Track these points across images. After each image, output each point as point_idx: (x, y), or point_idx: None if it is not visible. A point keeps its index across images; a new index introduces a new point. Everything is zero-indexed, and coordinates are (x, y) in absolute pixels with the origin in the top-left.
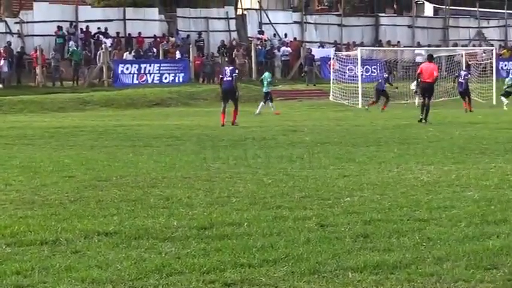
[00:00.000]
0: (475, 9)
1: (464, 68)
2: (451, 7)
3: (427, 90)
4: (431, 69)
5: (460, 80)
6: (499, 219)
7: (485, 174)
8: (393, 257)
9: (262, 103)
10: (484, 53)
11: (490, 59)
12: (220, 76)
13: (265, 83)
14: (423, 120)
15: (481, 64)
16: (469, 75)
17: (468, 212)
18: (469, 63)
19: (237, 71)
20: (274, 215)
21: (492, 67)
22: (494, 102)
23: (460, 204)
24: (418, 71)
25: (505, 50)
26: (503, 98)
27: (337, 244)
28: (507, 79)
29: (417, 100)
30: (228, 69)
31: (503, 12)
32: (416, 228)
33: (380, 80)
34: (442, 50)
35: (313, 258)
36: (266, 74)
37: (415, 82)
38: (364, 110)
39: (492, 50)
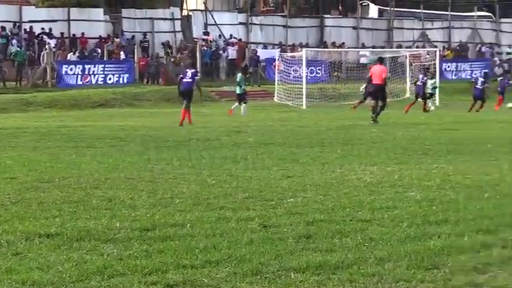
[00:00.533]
0: (419, 11)
1: (422, 71)
2: (395, 9)
3: (377, 91)
4: (381, 71)
5: (418, 83)
6: (441, 219)
7: (428, 175)
8: (335, 257)
9: (242, 104)
10: (428, 54)
11: (434, 60)
12: (181, 76)
13: (241, 84)
14: (373, 121)
15: (424, 65)
16: (425, 78)
17: (410, 212)
18: (413, 64)
19: (199, 74)
20: (218, 216)
21: (436, 68)
22: (437, 103)
23: (402, 204)
24: (369, 74)
25: (448, 52)
26: (423, 100)
27: (279, 245)
28: (431, 81)
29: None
30: (189, 71)
31: (447, 14)
32: (359, 228)
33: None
34: (387, 51)
35: (256, 259)
36: (240, 76)
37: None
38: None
39: (436, 52)
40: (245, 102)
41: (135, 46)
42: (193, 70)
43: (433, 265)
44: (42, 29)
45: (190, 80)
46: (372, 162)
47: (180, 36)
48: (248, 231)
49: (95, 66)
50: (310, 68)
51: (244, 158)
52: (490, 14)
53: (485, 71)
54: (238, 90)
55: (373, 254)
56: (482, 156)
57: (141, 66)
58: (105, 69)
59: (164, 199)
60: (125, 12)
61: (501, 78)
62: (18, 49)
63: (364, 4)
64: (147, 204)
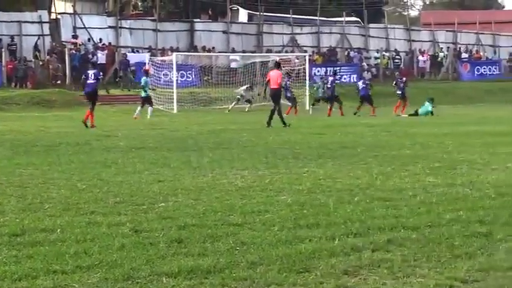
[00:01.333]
0: (289, 15)
1: (331, 74)
2: (265, 13)
3: (274, 96)
4: (277, 76)
5: (328, 85)
6: (312, 223)
7: (298, 179)
8: (207, 261)
9: (149, 107)
10: (297, 59)
11: (303, 65)
12: (84, 77)
13: (146, 87)
14: (269, 124)
15: (294, 70)
16: (336, 82)
17: (281, 216)
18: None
19: (101, 74)
20: (88, 221)
21: (305, 73)
22: (307, 107)
23: (274, 208)
24: (267, 79)
25: (317, 56)
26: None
27: (151, 250)
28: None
29: (232, 105)
30: (91, 72)
31: (316, 19)
32: (231, 232)
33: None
34: (257, 56)
35: (127, 264)
36: (144, 79)
37: (242, 88)
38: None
39: (305, 56)
40: (151, 106)
41: (3, 49)
42: (95, 71)
43: (305, 268)
44: None
45: (93, 81)
46: (243, 166)
47: (48, 39)
48: (119, 236)
49: None
50: (180, 72)
51: (115, 162)
52: (358, 19)
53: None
54: (142, 94)
55: (245, 258)
56: (352, 160)
57: (9, 69)
58: None
59: (34, 204)
60: None
61: (398, 80)
62: None
63: (233, 9)
64: (16, 209)
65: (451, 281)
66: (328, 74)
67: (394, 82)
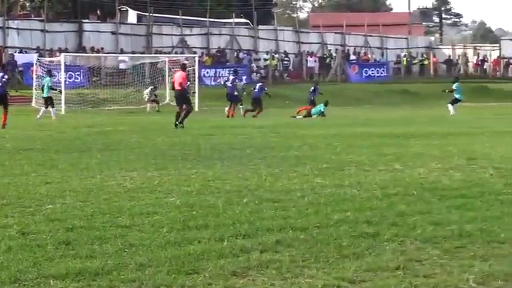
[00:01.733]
0: (178, 17)
1: (259, 79)
2: (154, 15)
3: (177, 97)
4: (179, 77)
5: (255, 89)
6: (200, 224)
7: (187, 180)
8: (95, 263)
9: (43, 108)
10: (187, 60)
11: (193, 66)
12: None
13: (45, 88)
14: (178, 125)
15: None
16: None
17: (170, 217)
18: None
19: (6, 77)
20: None
21: (195, 74)
22: (196, 109)
23: (163, 210)
24: (172, 80)
25: (207, 57)
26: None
27: (38, 252)
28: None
29: (149, 106)
30: None
31: (206, 21)
32: (119, 234)
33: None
34: (146, 57)
35: (14, 267)
36: (47, 79)
37: (147, 89)
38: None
39: (195, 58)
40: (52, 106)
41: None
42: (1, 73)
43: (193, 270)
44: None
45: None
46: (132, 167)
47: None
48: (6, 239)
49: None
50: (69, 73)
51: (1, 164)
52: (247, 21)
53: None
54: (45, 94)
55: (134, 260)
56: (241, 161)
57: None
58: None
59: None
60: None
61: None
62: None
63: (122, 9)
64: None
65: (339, 281)
66: (229, 74)
67: (312, 88)
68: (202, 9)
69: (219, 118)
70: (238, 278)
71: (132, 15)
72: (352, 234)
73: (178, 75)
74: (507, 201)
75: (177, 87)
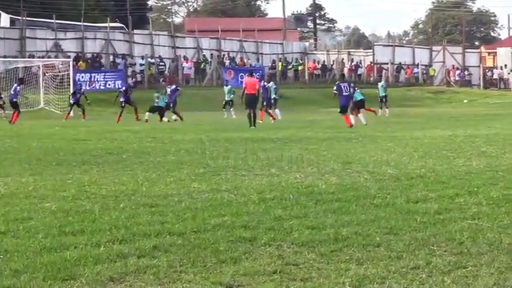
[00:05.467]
0: (52, 21)
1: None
2: (28, 18)
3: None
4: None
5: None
6: (77, 230)
7: (63, 186)
8: None
9: None
10: (61, 64)
11: (67, 70)
12: None
13: None
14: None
15: (58, 76)
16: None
17: (46, 223)
18: (47, 74)
19: None
20: None
21: (70, 78)
22: (72, 114)
23: (38, 215)
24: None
25: (81, 62)
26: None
27: None
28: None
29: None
30: None
31: (80, 25)
32: None
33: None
34: (19, 61)
35: None
36: None
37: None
38: None
39: (69, 62)
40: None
41: None
42: None
43: (70, 276)
44: None
45: None
46: (6, 173)
47: None
48: None
49: None
50: None
51: None
52: (122, 25)
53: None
54: None
55: (9, 266)
56: (118, 166)
57: None
58: None
59: None
60: None
61: None
62: None
63: None
64: None
65: (216, 286)
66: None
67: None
68: (77, 13)
69: (95, 123)
70: (115, 284)
71: (5, 19)
72: (229, 239)
73: (253, 81)
74: (381, 205)
75: (251, 91)
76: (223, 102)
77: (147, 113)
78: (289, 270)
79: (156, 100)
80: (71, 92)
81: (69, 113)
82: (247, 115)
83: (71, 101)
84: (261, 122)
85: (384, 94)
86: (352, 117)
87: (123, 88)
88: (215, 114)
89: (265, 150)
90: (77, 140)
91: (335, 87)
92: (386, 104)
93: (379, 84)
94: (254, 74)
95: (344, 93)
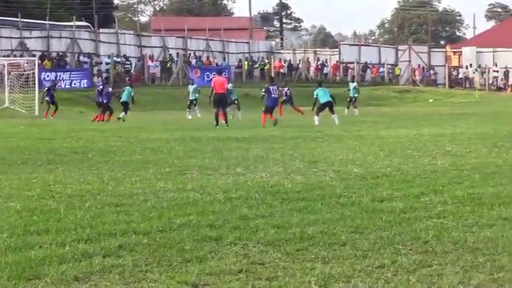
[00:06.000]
0: (17, 19)
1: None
2: None
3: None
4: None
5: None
6: (42, 229)
7: (28, 185)
8: None
9: None
10: (27, 63)
11: (33, 69)
12: None
13: None
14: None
15: (23, 75)
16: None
17: (10, 222)
18: (12, 73)
19: None
20: None
21: (35, 78)
22: (37, 113)
23: (3, 215)
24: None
25: (47, 61)
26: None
27: None
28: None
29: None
30: None
31: (46, 23)
32: None
33: None
34: None
35: None
36: None
37: None
38: None
39: (35, 61)
40: None
41: None
42: None
43: (35, 275)
44: None
45: None
46: None
47: None
48: None
49: None
50: None
51: None
52: (88, 24)
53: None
54: None
55: None
56: (83, 165)
57: None
58: None
59: None
60: None
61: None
62: None
63: None
64: None
65: (182, 285)
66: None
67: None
68: (43, 12)
69: (60, 122)
70: (81, 283)
71: None
72: (195, 238)
73: (221, 80)
74: (347, 203)
75: (220, 91)
76: (188, 102)
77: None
78: (254, 269)
79: (122, 95)
80: (45, 89)
81: (47, 111)
82: (214, 114)
83: (47, 98)
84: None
85: (355, 95)
86: (316, 119)
87: (46, 88)
88: (181, 113)
89: (231, 150)
90: (42, 139)
91: (264, 90)
92: (355, 104)
93: (351, 85)
94: (223, 73)
95: (272, 95)
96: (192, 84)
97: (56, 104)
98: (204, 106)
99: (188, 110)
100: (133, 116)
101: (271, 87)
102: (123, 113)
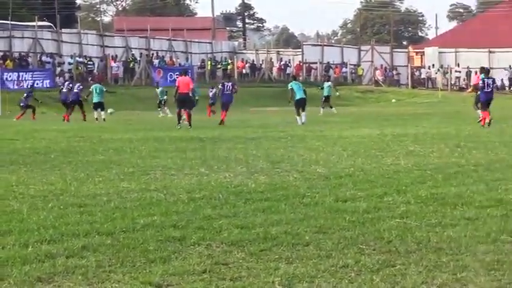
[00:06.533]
0: None
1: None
2: None
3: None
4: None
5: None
6: (4, 230)
7: None
8: None
9: None
10: None
11: None
12: None
13: None
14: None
15: None
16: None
17: None
18: None
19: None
20: None
21: None
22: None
23: None
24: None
25: (9, 61)
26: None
27: None
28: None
29: None
30: None
31: (8, 23)
32: None
33: None
34: None
35: None
36: None
37: None
38: None
39: None
40: None
41: None
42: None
43: None
44: None
45: None
46: None
47: None
48: None
49: None
50: None
51: None
52: (51, 24)
53: None
54: None
55: None
56: (46, 166)
57: None
58: None
59: None
60: None
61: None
62: None
63: None
64: None
65: (146, 286)
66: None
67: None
68: (4, 12)
69: (22, 122)
70: (44, 284)
71: None
72: (158, 239)
73: (186, 80)
74: (311, 204)
75: (184, 90)
76: (157, 102)
77: (95, 112)
78: (218, 269)
79: (93, 94)
80: (24, 95)
81: (22, 115)
82: (176, 114)
83: (22, 104)
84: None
85: (328, 94)
86: (298, 118)
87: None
88: (144, 113)
89: (195, 150)
90: (4, 140)
91: (220, 85)
92: (329, 103)
93: (326, 84)
94: (188, 73)
95: (224, 92)
96: (158, 87)
97: (33, 106)
98: (173, 106)
99: (159, 109)
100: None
101: (226, 84)
102: (103, 112)
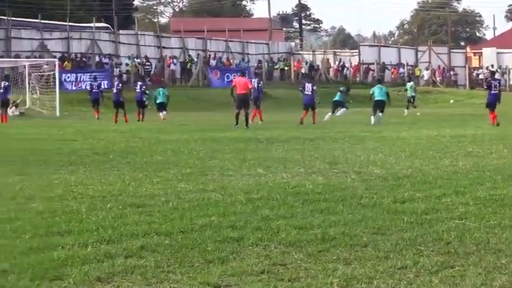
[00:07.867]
0: (38, 21)
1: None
2: (13, 18)
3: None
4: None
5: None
6: (64, 230)
7: (50, 186)
8: None
9: None
10: (47, 64)
11: (53, 70)
12: None
13: None
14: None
15: (43, 76)
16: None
17: (33, 223)
18: (33, 74)
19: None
20: None
21: (55, 79)
22: (57, 114)
23: (25, 216)
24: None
25: (67, 62)
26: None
27: None
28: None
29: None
30: None
31: (66, 25)
32: None
33: None
34: (5, 61)
35: None
36: None
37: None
38: None
39: (55, 62)
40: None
41: None
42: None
43: (57, 276)
44: None
45: None
46: None
47: None
48: None
49: None
50: None
51: None
52: (108, 25)
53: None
54: None
55: None
56: (104, 166)
57: None
58: None
59: None
60: None
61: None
62: None
63: None
64: None
65: (204, 286)
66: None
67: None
68: (63, 13)
69: (81, 123)
70: (103, 284)
71: None
72: (216, 239)
73: (243, 81)
74: (368, 205)
75: (242, 91)
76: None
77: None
78: (276, 270)
79: (157, 96)
80: (89, 89)
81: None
82: (235, 115)
83: (92, 98)
84: (261, 122)
85: (412, 94)
86: (372, 117)
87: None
88: (201, 114)
89: (252, 151)
90: (64, 140)
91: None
92: (414, 103)
93: (408, 85)
94: (245, 73)
95: (306, 92)
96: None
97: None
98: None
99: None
100: (154, 116)
101: (306, 84)
102: (163, 113)
